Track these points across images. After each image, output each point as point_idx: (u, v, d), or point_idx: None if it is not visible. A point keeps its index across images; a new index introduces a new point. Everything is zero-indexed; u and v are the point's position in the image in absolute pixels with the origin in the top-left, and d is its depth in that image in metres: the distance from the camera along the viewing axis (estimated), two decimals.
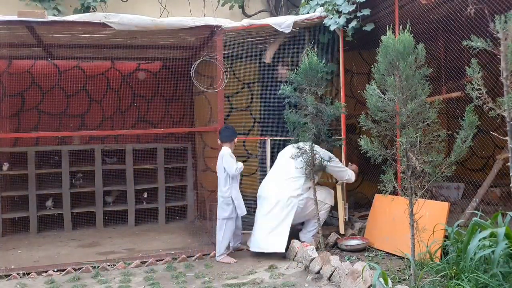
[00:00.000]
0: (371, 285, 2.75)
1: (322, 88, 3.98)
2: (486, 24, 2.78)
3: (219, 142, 4.30)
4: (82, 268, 3.82)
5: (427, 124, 3.02)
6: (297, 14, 5.40)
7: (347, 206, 4.71)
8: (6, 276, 3.71)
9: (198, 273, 3.72)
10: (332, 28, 4.69)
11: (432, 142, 3.00)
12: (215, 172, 4.30)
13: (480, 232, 2.89)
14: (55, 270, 3.82)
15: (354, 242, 4.27)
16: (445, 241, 3.53)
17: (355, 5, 4.51)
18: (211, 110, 5.91)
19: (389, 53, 2.99)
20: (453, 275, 3.06)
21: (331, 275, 3.31)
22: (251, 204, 4.81)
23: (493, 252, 2.71)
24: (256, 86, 6.08)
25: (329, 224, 4.79)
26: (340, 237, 4.41)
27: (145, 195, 5.70)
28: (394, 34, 3.06)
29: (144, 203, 5.69)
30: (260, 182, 4.65)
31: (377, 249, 4.11)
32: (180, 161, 5.93)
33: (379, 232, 4.23)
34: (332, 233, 4.45)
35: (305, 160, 4.13)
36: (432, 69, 3.05)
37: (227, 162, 4.10)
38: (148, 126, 6.08)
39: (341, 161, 4.93)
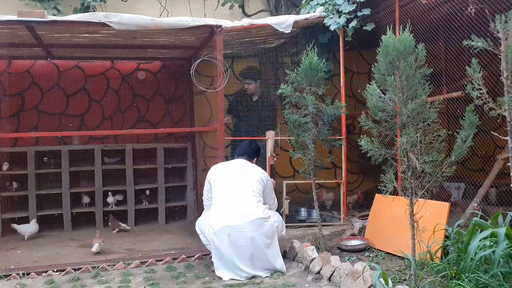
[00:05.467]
0: (371, 285, 2.75)
1: (322, 88, 3.98)
2: (487, 24, 2.77)
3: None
4: (82, 268, 3.81)
5: (428, 124, 3.02)
6: (297, 14, 5.39)
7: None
8: (6, 276, 3.70)
9: (198, 273, 3.71)
10: (332, 28, 4.68)
11: (433, 142, 2.99)
12: None
13: (480, 232, 2.89)
14: (55, 270, 3.81)
15: (354, 242, 4.27)
16: (445, 241, 3.53)
17: (355, 5, 4.50)
18: (211, 110, 5.90)
19: (390, 53, 2.99)
20: (453, 275, 3.05)
21: (331, 275, 3.31)
22: None
23: (493, 252, 2.70)
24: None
25: (330, 224, 4.79)
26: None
27: (147, 192, 5.66)
28: (394, 34, 3.06)
29: (145, 203, 5.67)
30: None
31: (377, 249, 4.11)
32: (180, 161, 5.92)
33: (380, 232, 4.22)
34: None
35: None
36: (432, 69, 3.04)
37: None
38: (148, 126, 6.06)
39: (341, 161, 4.94)
